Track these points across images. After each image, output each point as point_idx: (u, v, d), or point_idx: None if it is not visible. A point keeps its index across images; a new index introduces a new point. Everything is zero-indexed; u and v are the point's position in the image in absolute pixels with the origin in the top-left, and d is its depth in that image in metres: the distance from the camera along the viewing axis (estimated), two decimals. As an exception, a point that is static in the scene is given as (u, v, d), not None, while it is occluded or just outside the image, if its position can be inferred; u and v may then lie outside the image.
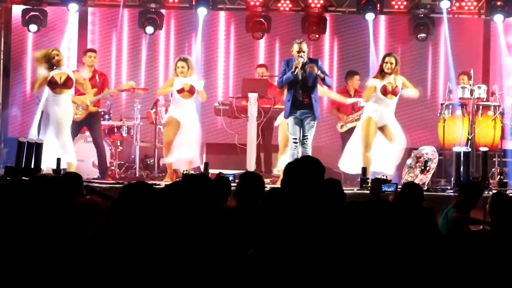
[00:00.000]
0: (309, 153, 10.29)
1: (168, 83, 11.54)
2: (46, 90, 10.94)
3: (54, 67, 10.83)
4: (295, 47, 10.42)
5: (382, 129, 10.82)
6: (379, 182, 8.18)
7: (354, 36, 14.34)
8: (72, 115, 11.05)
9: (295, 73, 10.32)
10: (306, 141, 10.42)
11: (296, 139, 10.46)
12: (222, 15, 14.41)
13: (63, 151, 10.83)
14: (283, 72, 10.54)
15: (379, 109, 10.77)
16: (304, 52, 10.37)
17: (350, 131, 11.99)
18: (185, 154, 11.23)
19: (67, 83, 10.86)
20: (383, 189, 9.48)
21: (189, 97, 11.26)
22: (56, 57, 10.84)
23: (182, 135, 11.29)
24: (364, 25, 13.84)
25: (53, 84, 10.82)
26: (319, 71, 10.38)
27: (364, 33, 13.98)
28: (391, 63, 10.74)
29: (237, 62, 14.46)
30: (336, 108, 12.59)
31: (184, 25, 14.41)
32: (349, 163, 11.01)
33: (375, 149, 10.80)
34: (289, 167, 4.78)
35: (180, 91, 11.20)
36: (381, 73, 10.79)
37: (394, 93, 10.78)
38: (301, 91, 10.43)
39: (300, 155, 10.31)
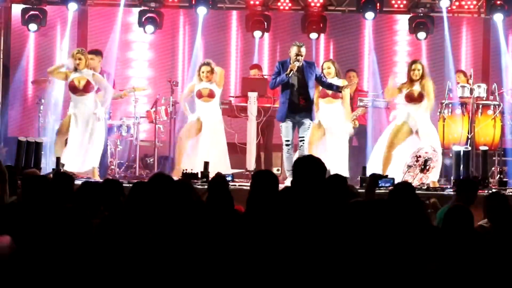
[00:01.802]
0: (305, 154, 10.28)
1: (189, 89, 11.48)
2: (70, 93, 11.00)
3: (76, 70, 10.86)
4: (294, 50, 10.38)
5: (416, 134, 10.92)
6: (376, 177, 8.14)
7: (347, 35, 14.38)
8: (103, 115, 11.05)
9: (290, 75, 10.30)
10: (303, 143, 10.41)
11: (288, 141, 10.46)
12: (221, 13, 14.41)
13: (92, 153, 10.84)
14: (276, 73, 10.50)
15: (411, 114, 10.85)
16: (302, 56, 10.36)
17: None
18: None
19: (87, 87, 10.86)
20: (380, 185, 9.46)
21: (208, 101, 11.22)
22: (78, 60, 10.84)
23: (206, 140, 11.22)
24: (358, 24, 13.89)
25: (73, 88, 10.87)
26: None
27: (357, 32, 14.06)
28: (418, 70, 10.79)
29: (236, 61, 14.47)
30: None
31: (186, 24, 14.44)
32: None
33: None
34: (293, 167, 4.80)
35: (199, 95, 11.17)
36: (410, 81, 10.84)
37: (419, 99, 10.82)
38: (297, 94, 10.40)
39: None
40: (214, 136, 11.21)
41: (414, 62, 11.02)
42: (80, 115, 10.90)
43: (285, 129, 10.51)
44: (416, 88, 10.79)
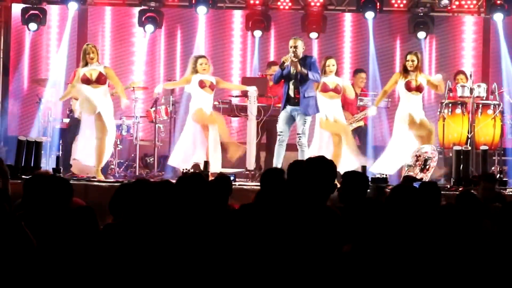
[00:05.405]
0: (305, 152, 10.30)
1: (183, 80, 11.47)
2: (81, 88, 10.91)
3: (87, 64, 10.85)
4: (290, 43, 10.49)
5: (413, 128, 10.97)
6: (410, 180, 8.20)
7: (337, 34, 14.46)
8: (112, 110, 11.02)
9: (283, 68, 10.34)
10: (300, 139, 10.44)
11: (282, 132, 10.50)
12: (221, 12, 14.43)
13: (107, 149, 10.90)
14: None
15: (406, 109, 10.93)
16: (295, 47, 10.36)
17: (354, 131, 12.15)
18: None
19: (99, 79, 10.84)
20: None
21: (211, 93, 11.26)
22: (92, 54, 10.85)
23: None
24: (352, 23, 14.01)
25: (86, 81, 10.83)
26: (302, 68, 10.35)
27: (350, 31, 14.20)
28: (413, 61, 10.91)
29: (236, 60, 14.47)
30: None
31: (187, 24, 14.46)
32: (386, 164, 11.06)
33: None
34: (305, 168, 4.74)
35: (202, 85, 11.17)
36: (405, 72, 10.94)
37: (418, 89, 10.98)
38: (293, 87, 10.46)
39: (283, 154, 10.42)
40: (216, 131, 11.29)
41: (409, 53, 11.19)
42: (91, 107, 10.84)
43: (280, 120, 10.57)
44: (412, 78, 10.88)
